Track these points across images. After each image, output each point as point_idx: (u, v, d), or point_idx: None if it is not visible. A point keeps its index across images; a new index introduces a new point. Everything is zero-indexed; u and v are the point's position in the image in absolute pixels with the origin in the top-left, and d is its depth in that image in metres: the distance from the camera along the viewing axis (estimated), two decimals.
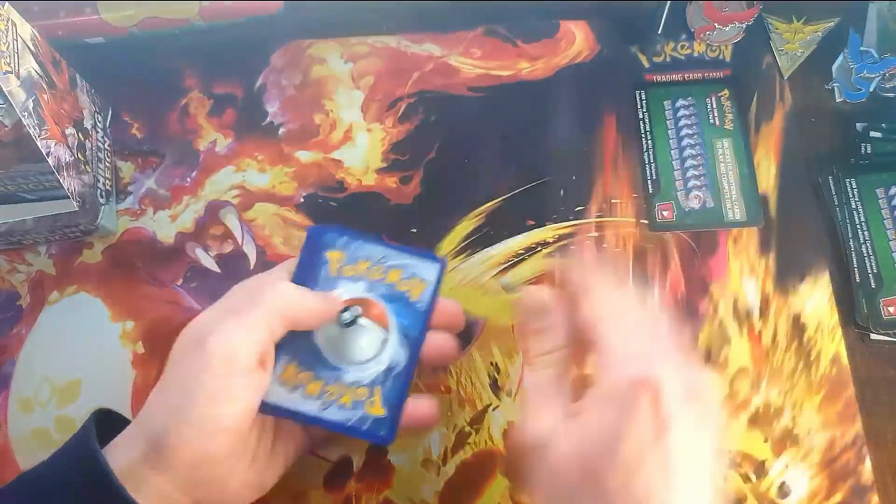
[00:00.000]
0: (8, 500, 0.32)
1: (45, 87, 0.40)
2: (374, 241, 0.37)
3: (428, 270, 0.36)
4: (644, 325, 0.31)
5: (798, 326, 0.44)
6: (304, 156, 0.47)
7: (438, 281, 0.36)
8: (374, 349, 0.35)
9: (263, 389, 0.33)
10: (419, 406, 0.35)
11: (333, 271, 0.36)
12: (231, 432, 0.31)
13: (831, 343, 0.44)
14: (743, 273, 0.45)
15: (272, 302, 0.32)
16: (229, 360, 0.31)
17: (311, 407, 0.34)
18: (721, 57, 0.50)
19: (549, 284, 0.34)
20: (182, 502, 0.32)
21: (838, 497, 0.41)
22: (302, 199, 0.46)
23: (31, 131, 0.37)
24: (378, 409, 0.35)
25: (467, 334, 0.43)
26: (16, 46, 0.38)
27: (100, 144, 0.46)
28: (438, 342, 0.36)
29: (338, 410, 0.34)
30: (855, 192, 0.46)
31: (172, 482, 0.31)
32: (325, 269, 0.36)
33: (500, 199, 0.46)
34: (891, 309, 0.43)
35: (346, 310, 0.33)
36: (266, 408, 0.34)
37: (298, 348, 0.35)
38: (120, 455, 0.31)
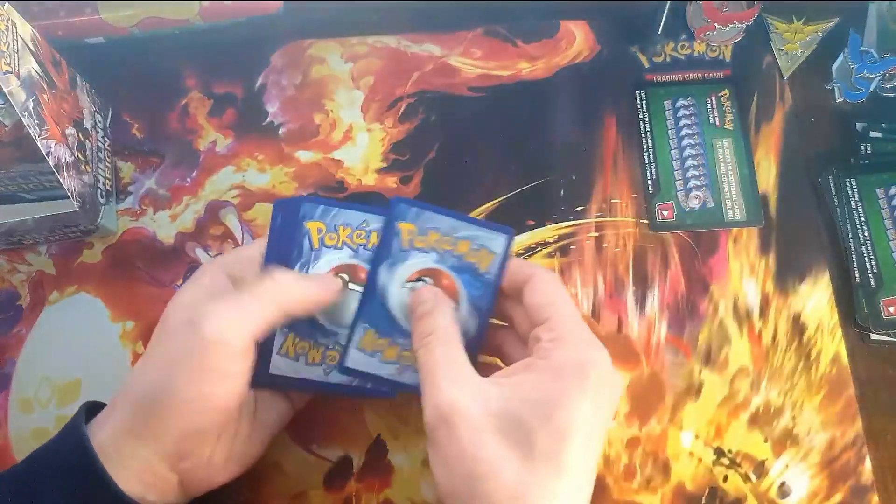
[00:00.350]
0: (6, 485, 0.32)
1: (45, 87, 0.40)
2: (444, 212, 0.37)
3: (496, 242, 0.37)
4: (580, 317, 0.33)
5: (798, 326, 0.44)
6: (304, 156, 0.47)
7: (507, 252, 0.37)
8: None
9: (251, 371, 0.33)
10: None
11: (405, 243, 0.36)
12: (220, 410, 0.32)
13: (831, 343, 0.44)
14: (743, 273, 0.45)
15: (272, 293, 0.33)
16: (225, 343, 0.31)
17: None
18: (721, 57, 0.50)
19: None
20: (166, 475, 0.33)
21: (838, 497, 0.41)
22: None
23: (31, 131, 0.37)
24: None
25: None
26: (16, 46, 0.38)
27: (100, 144, 0.46)
28: None
29: (413, 375, 0.36)
30: (855, 192, 0.46)
31: (157, 453, 0.32)
32: (396, 241, 0.36)
33: (500, 199, 0.46)
34: (891, 309, 0.43)
35: (419, 279, 0.35)
36: (273, 380, 0.35)
37: (376, 316, 0.36)
38: (104, 427, 0.32)
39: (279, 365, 0.35)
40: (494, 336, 0.38)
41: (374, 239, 0.37)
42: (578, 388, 0.29)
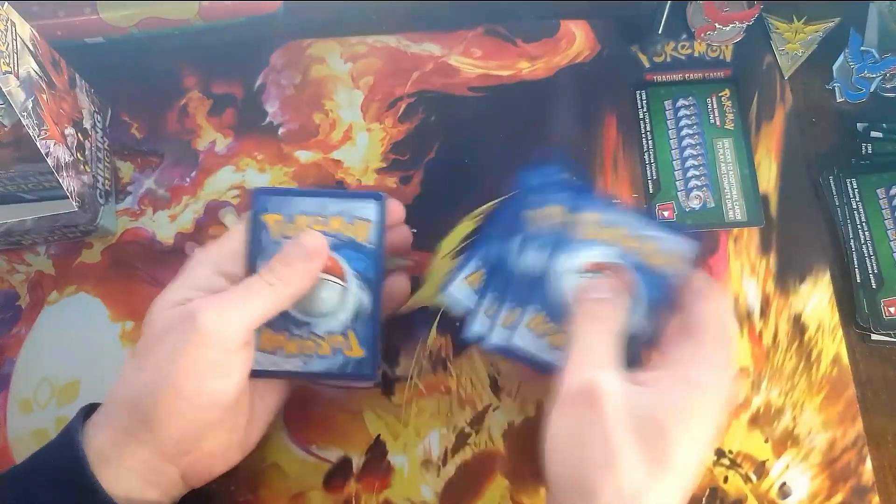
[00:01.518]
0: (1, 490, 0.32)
1: (44, 87, 0.40)
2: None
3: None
4: (732, 343, 0.34)
5: (799, 326, 0.44)
6: (303, 155, 0.47)
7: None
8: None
9: (251, 364, 0.34)
10: (391, 284, 0.38)
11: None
12: (221, 405, 0.32)
13: (832, 343, 0.44)
14: (743, 273, 0.45)
15: (270, 292, 0.33)
16: (224, 339, 0.31)
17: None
18: (721, 57, 0.50)
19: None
20: (168, 471, 0.33)
21: (839, 497, 0.41)
22: None
23: (30, 131, 0.37)
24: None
25: None
26: (15, 46, 0.38)
27: (99, 144, 0.46)
28: (390, 285, 0.38)
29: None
30: (856, 192, 0.46)
31: (157, 453, 0.32)
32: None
33: (500, 199, 0.46)
34: (891, 309, 0.43)
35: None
36: (255, 374, 0.35)
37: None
38: (102, 430, 0.32)
39: (260, 360, 0.35)
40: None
41: (332, 224, 0.36)
42: (707, 410, 0.30)
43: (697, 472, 0.30)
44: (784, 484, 0.41)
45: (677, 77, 0.49)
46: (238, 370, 0.32)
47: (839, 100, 0.49)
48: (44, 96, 0.40)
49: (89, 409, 0.34)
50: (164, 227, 0.46)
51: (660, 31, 0.50)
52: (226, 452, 0.35)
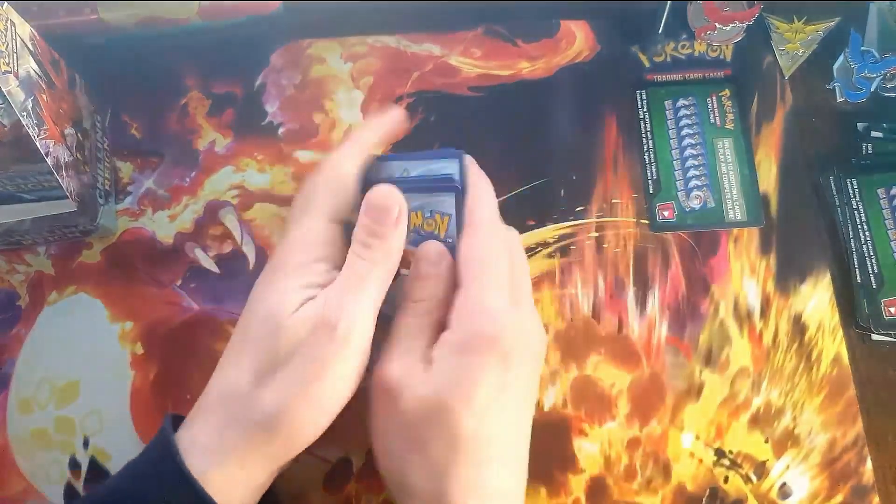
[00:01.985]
0: None
1: (44, 87, 0.40)
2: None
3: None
4: (504, 273, 0.32)
5: (799, 327, 0.44)
6: (303, 155, 0.47)
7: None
8: None
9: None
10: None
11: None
12: (342, 405, 0.32)
13: (832, 343, 0.44)
14: (744, 273, 0.45)
15: (378, 271, 0.32)
16: (363, 343, 0.31)
17: None
18: (722, 56, 0.50)
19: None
20: (268, 468, 0.32)
21: (839, 498, 0.41)
22: None
23: (29, 131, 0.37)
24: None
25: None
26: (15, 46, 0.38)
27: (99, 144, 0.46)
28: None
29: None
30: (856, 192, 0.46)
31: (266, 471, 0.31)
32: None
33: (499, 198, 0.46)
34: (892, 309, 0.43)
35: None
36: None
37: None
38: (206, 455, 0.30)
39: None
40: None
41: (414, 221, 0.35)
42: (482, 366, 0.29)
43: (516, 437, 0.31)
44: (784, 484, 0.41)
45: (677, 77, 0.49)
46: (361, 372, 0.32)
47: (839, 100, 0.49)
48: (43, 96, 0.40)
49: (176, 419, 0.32)
50: (163, 227, 0.46)
51: (660, 31, 0.50)
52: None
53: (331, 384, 0.30)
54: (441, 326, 0.32)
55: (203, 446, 0.30)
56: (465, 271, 0.32)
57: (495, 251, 0.32)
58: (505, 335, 0.30)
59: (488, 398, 0.29)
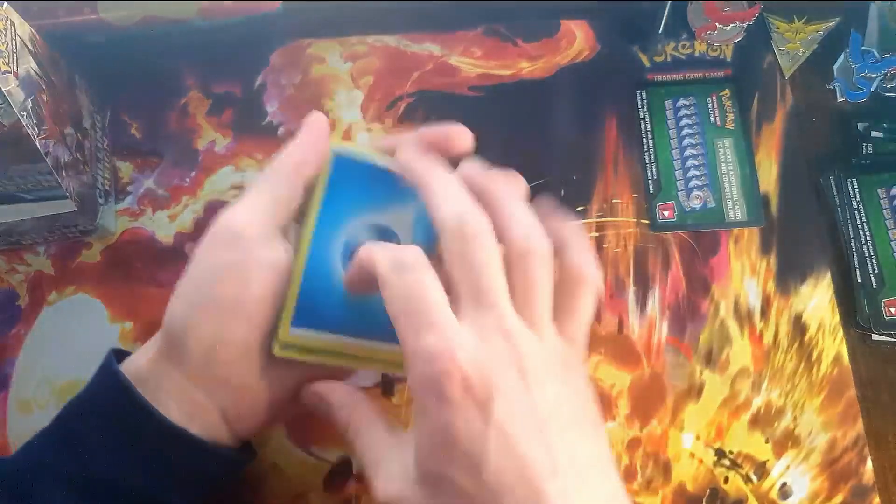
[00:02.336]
0: (33, 439, 0.32)
1: (43, 86, 0.40)
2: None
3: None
4: (435, 311, 0.26)
5: (799, 327, 0.44)
6: None
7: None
8: None
9: (282, 267, 0.31)
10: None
11: None
12: (243, 317, 0.30)
13: (832, 343, 0.44)
14: (744, 273, 0.45)
15: (265, 174, 0.32)
16: (234, 235, 0.30)
17: None
18: (722, 56, 0.50)
19: None
20: (205, 403, 0.31)
21: (839, 498, 0.41)
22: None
23: (29, 131, 0.37)
24: None
25: None
26: (14, 46, 0.38)
27: (99, 144, 0.46)
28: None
29: None
30: (856, 192, 0.46)
31: (187, 374, 0.30)
32: None
33: None
34: (892, 309, 0.43)
35: None
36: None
37: None
38: (138, 358, 0.32)
39: None
40: None
41: None
42: (445, 420, 0.25)
43: (519, 455, 0.25)
44: (785, 484, 0.41)
45: (677, 77, 0.49)
46: (258, 274, 0.30)
47: (839, 100, 0.49)
48: (43, 96, 0.40)
49: (118, 351, 0.33)
50: (163, 226, 0.46)
51: (660, 31, 0.50)
52: (267, 397, 0.32)
53: (202, 276, 0.30)
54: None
55: (136, 366, 0.31)
56: (395, 319, 0.27)
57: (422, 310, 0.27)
58: (464, 366, 0.24)
59: (464, 443, 0.24)
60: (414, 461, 0.26)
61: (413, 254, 0.27)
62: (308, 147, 0.32)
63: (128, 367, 0.31)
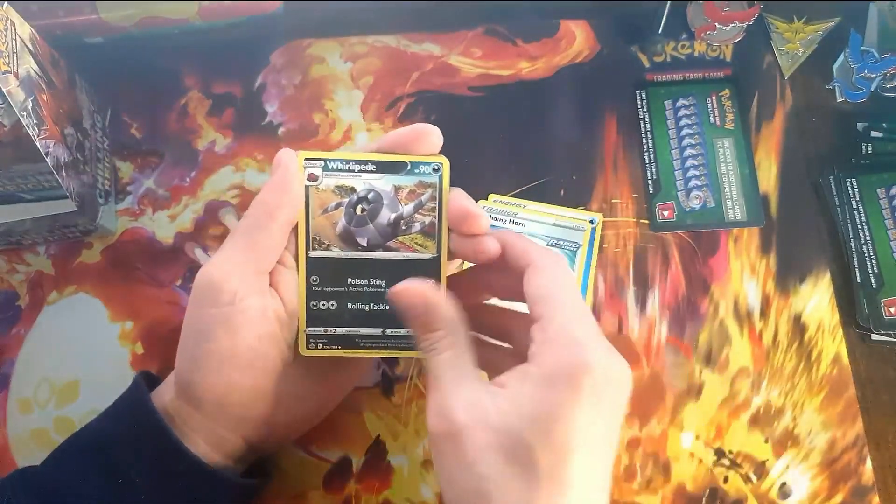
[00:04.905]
0: (70, 454, 0.34)
1: (44, 87, 0.40)
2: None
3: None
4: (584, 310, 0.30)
5: (799, 327, 0.44)
6: None
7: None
8: None
9: (268, 312, 0.32)
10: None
11: None
12: (243, 365, 0.31)
13: (832, 343, 0.44)
14: (744, 273, 0.45)
15: (242, 221, 0.32)
16: (215, 290, 0.31)
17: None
18: (722, 56, 0.50)
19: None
20: (225, 435, 0.33)
21: (839, 498, 0.41)
22: None
23: (30, 131, 0.37)
24: None
25: None
26: (15, 46, 0.38)
27: (99, 144, 0.46)
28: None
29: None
30: (856, 192, 0.46)
31: (210, 418, 0.33)
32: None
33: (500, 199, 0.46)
34: (892, 309, 0.43)
35: None
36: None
37: None
38: (163, 393, 0.34)
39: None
40: (503, 320, 0.35)
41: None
42: (572, 400, 0.27)
43: (602, 470, 0.28)
44: (784, 484, 0.41)
45: (677, 77, 0.49)
46: (245, 323, 0.31)
47: (839, 100, 0.49)
48: (43, 96, 0.40)
49: (146, 375, 0.36)
50: (163, 226, 0.46)
51: (660, 31, 0.50)
52: (285, 421, 0.34)
53: (194, 334, 0.31)
54: (477, 356, 0.31)
55: (163, 403, 0.33)
56: (542, 304, 0.30)
57: (570, 284, 0.31)
58: (598, 365, 0.27)
59: (574, 434, 0.27)
60: (509, 419, 0.27)
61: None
62: (279, 190, 0.32)
63: (157, 403, 0.33)
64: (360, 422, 0.42)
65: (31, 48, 0.40)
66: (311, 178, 0.33)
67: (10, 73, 0.37)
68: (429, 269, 0.33)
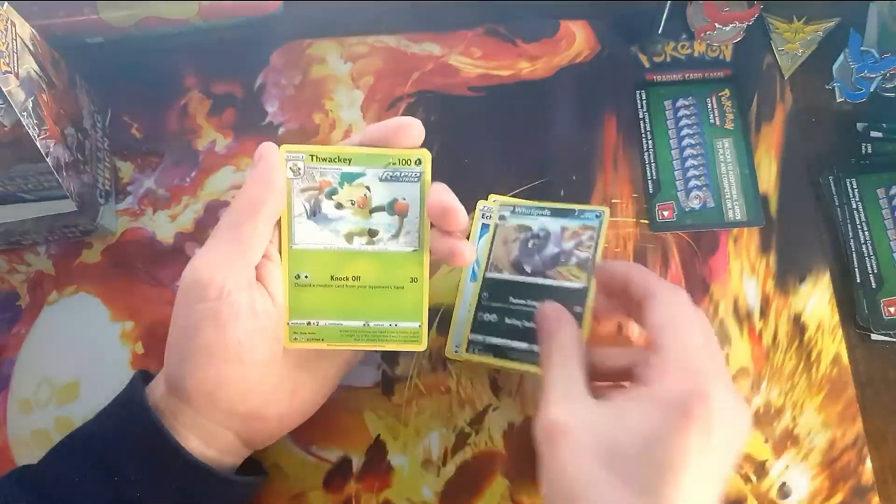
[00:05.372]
0: (67, 452, 0.34)
1: (44, 87, 0.40)
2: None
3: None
4: (703, 342, 0.31)
5: (798, 326, 0.44)
6: None
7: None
8: None
9: (254, 305, 0.32)
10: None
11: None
12: (230, 359, 0.32)
13: (832, 343, 0.44)
14: (743, 273, 0.45)
15: (226, 216, 0.32)
16: (201, 286, 0.31)
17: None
18: (721, 57, 0.50)
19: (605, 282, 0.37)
20: (217, 431, 0.34)
21: (839, 497, 0.41)
22: None
23: (30, 131, 0.37)
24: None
25: None
26: (15, 46, 0.38)
27: (99, 144, 0.46)
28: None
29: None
30: (855, 192, 0.46)
31: (200, 413, 0.33)
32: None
33: (500, 199, 0.46)
34: (891, 309, 0.43)
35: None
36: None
37: None
38: (155, 389, 0.34)
39: None
40: (626, 354, 0.35)
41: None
42: (680, 425, 0.27)
43: (706, 501, 0.28)
44: (784, 484, 0.41)
45: (677, 77, 0.49)
46: (231, 318, 0.31)
47: (839, 100, 0.49)
48: (44, 96, 0.40)
49: (145, 373, 0.36)
50: (164, 226, 0.46)
51: (660, 31, 0.50)
52: (276, 415, 0.35)
53: (183, 330, 0.32)
54: (589, 374, 0.32)
55: (154, 399, 0.34)
56: (664, 333, 0.31)
57: (693, 316, 0.32)
58: (714, 397, 0.28)
59: (678, 458, 0.27)
60: (613, 429, 0.28)
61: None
62: (262, 183, 0.32)
63: (150, 401, 0.33)
64: (360, 422, 0.42)
65: (31, 48, 0.40)
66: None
67: (10, 73, 0.37)
68: (578, 296, 0.38)
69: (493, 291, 0.40)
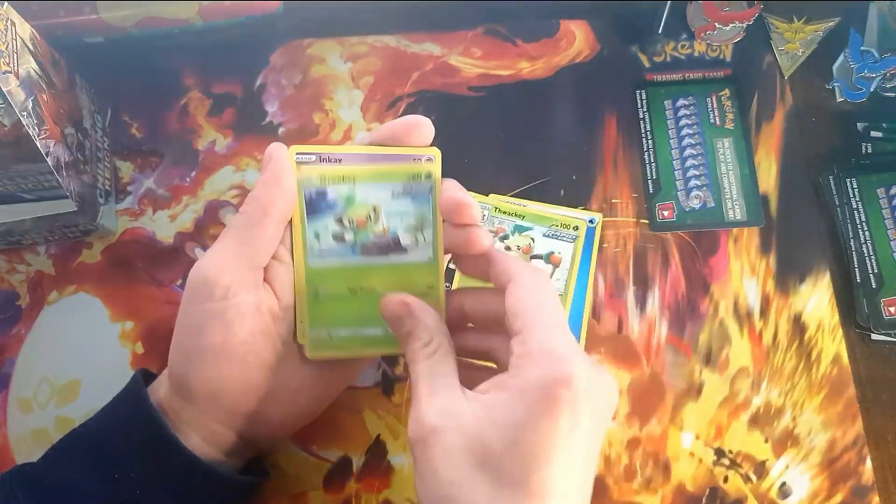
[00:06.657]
0: (68, 449, 0.34)
1: (44, 86, 0.40)
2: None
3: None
4: (564, 324, 0.30)
5: (799, 326, 0.44)
6: None
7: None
8: None
9: (261, 306, 0.32)
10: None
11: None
12: (235, 359, 0.32)
13: (832, 343, 0.44)
14: (743, 273, 0.45)
15: (236, 217, 0.32)
16: (209, 285, 0.31)
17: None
18: (721, 56, 0.50)
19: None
20: (222, 430, 0.34)
21: (839, 497, 0.41)
22: None
23: (30, 131, 0.37)
24: None
25: None
26: (15, 46, 0.38)
27: (99, 144, 0.46)
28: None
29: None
30: (855, 192, 0.46)
31: (203, 412, 0.33)
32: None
33: (500, 199, 0.46)
34: (891, 309, 0.43)
35: None
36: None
37: None
38: (158, 389, 0.34)
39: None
40: (486, 340, 0.35)
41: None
42: (546, 412, 0.27)
43: (579, 482, 0.28)
44: (784, 484, 0.41)
45: (677, 77, 0.49)
46: (238, 318, 0.31)
47: (839, 99, 0.49)
48: (44, 96, 0.40)
49: (145, 373, 0.36)
50: (164, 226, 0.46)
51: (660, 31, 0.50)
52: (279, 415, 0.35)
53: (185, 329, 0.32)
54: (458, 367, 0.31)
55: (157, 398, 0.34)
56: (522, 318, 0.30)
57: (550, 298, 0.31)
58: (578, 378, 0.27)
59: (547, 445, 0.27)
60: (482, 425, 0.27)
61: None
62: (272, 185, 0.32)
63: (151, 398, 0.33)
64: (360, 422, 0.42)
65: (31, 48, 0.40)
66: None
67: (10, 73, 0.37)
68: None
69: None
